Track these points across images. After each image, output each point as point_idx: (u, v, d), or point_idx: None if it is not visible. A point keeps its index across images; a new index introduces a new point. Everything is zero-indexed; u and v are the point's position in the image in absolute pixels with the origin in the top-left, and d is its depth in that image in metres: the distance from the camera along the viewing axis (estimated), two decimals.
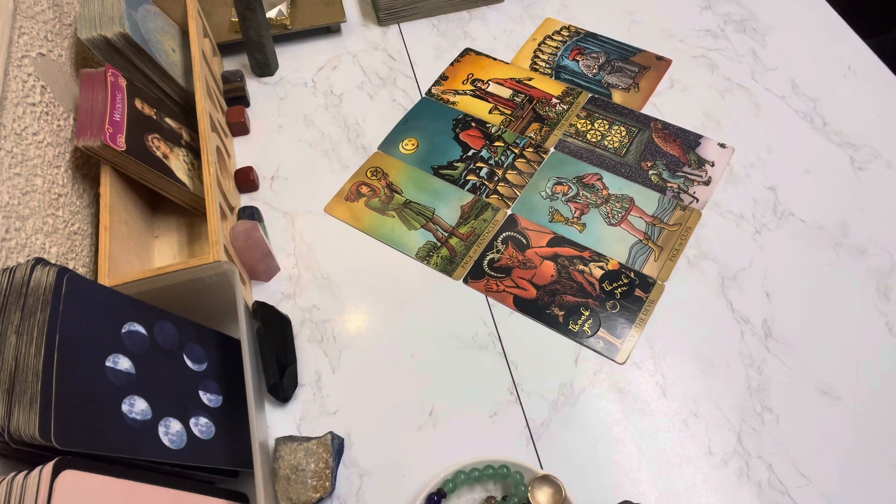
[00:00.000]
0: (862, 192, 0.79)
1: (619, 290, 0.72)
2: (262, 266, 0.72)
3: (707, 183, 0.81)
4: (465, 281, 0.74)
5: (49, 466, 0.40)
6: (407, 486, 0.61)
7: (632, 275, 0.73)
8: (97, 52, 0.72)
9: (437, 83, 0.92)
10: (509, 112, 0.89)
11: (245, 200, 0.81)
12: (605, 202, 0.80)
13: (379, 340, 0.70)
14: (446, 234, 0.77)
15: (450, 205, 0.80)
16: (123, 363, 0.50)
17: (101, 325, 0.50)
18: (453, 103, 0.90)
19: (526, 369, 0.67)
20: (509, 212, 0.79)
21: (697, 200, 0.79)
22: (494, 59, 0.95)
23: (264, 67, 0.92)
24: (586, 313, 0.71)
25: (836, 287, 0.72)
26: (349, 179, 0.83)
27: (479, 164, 0.83)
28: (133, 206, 0.71)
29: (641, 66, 0.93)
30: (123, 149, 0.65)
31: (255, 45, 0.89)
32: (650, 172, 0.82)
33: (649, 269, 0.74)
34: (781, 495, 0.60)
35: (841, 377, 0.66)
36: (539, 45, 0.97)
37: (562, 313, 0.71)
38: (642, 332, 0.70)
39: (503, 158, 0.84)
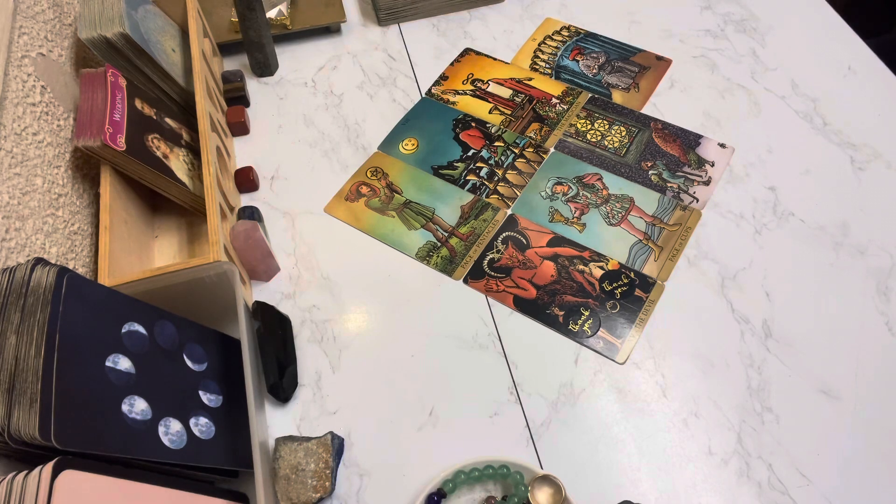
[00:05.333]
0: (862, 192, 0.79)
1: (619, 290, 0.72)
2: (262, 266, 0.72)
3: (707, 183, 0.81)
4: (465, 281, 0.74)
5: (49, 466, 0.40)
6: (407, 486, 0.61)
7: (632, 275, 0.73)
8: (97, 52, 0.72)
9: (437, 83, 0.92)
10: (509, 112, 0.89)
11: (245, 200, 0.81)
12: (605, 202, 0.80)
13: (379, 340, 0.70)
14: (446, 234, 0.77)
15: (450, 205, 0.80)
16: (123, 363, 0.50)
17: (101, 325, 0.50)
18: (453, 103, 0.90)
19: (526, 369, 0.67)
20: (509, 212, 0.79)
21: (697, 200, 0.79)
22: (494, 59, 0.95)
23: (264, 67, 0.92)
24: (586, 313, 0.71)
25: (836, 287, 0.72)
26: (349, 179, 0.83)
27: (479, 164, 0.83)
28: (133, 206, 0.71)
29: (641, 66, 0.93)
30: (123, 149, 0.65)
31: (255, 45, 0.89)
32: (650, 172, 0.82)
33: (649, 269, 0.74)
34: (781, 495, 0.60)
35: (841, 377, 0.66)
36: (539, 45, 0.97)
37: (562, 313, 0.71)
38: (642, 332, 0.70)
39: (503, 158, 0.84)
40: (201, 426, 0.55)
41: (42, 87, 0.68)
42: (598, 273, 0.74)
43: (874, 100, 0.88)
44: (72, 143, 0.71)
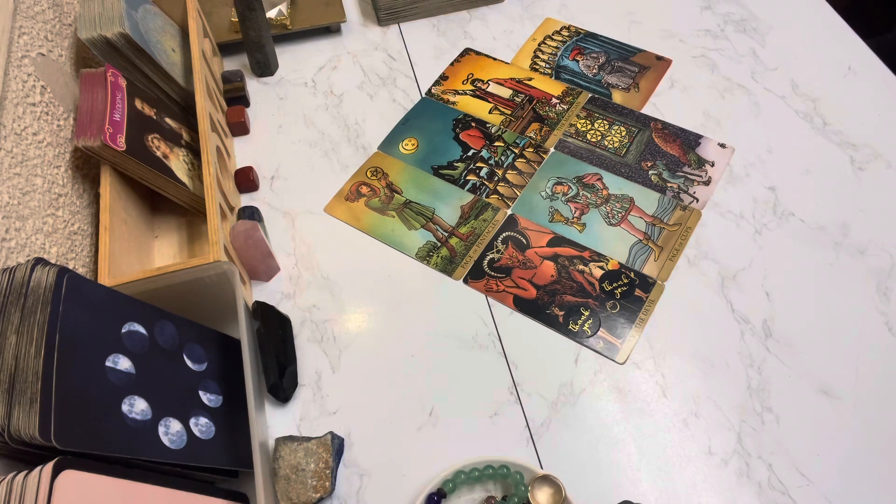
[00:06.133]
0: (862, 192, 0.79)
1: (619, 290, 0.72)
2: (262, 266, 0.72)
3: (707, 183, 0.81)
4: (465, 281, 0.74)
5: (49, 466, 0.40)
6: (407, 486, 0.61)
7: (632, 275, 0.73)
8: (97, 52, 0.72)
9: (437, 83, 0.92)
10: (509, 112, 0.89)
11: (245, 200, 0.81)
12: (605, 202, 0.80)
13: (379, 340, 0.70)
14: (446, 234, 0.77)
15: (450, 205, 0.80)
16: (123, 363, 0.50)
17: (101, 325, 0.50)
18: (453, 103, 0.90)
19: (526, 369, 0.67)
20: (509, 212, 0.79)
21: (697, 200, 0.79)
22: (494, 59, 0.95)
23: (264, 67, 0.92)
24: (586, 313, 0.71)
25: (836, 287, 0.72)
26: (349, 179, 0.83)
27: (479, 164, 0.83)
28: (133, 206, 0.71)
29: (641, 66, 0.93)
30: (123, 149, 0.65)
31: (255, 45, 0.89)
32: (650, 172, 0.82)
33: (649, 269, 0.74)
34: (781, 495, 0.60)
35: (841, 377, 0.66)
36: (539, 45, 0.97)
37: (562, 313, 0.71)
38: (642, 332, 0.70)
39: (503, 158, 0.84)
40: (201, 426, 0.55)
41: (42, 87, 0.68)
42: (598, 273, 0.74)
43: (874, 100, 0.88)
44: (72, 143, 0.71)
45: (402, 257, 0.76)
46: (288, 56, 0.95)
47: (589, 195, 0.80)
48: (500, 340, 0.69)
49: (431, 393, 0.66)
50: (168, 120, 0.75)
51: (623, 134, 0.86)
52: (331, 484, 0.59)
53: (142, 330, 0.53)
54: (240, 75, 0.87)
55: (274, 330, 0.66)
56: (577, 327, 0.70)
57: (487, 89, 0.91)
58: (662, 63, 0.94)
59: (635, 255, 0.75)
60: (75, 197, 0.70)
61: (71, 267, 0.63)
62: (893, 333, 0.69)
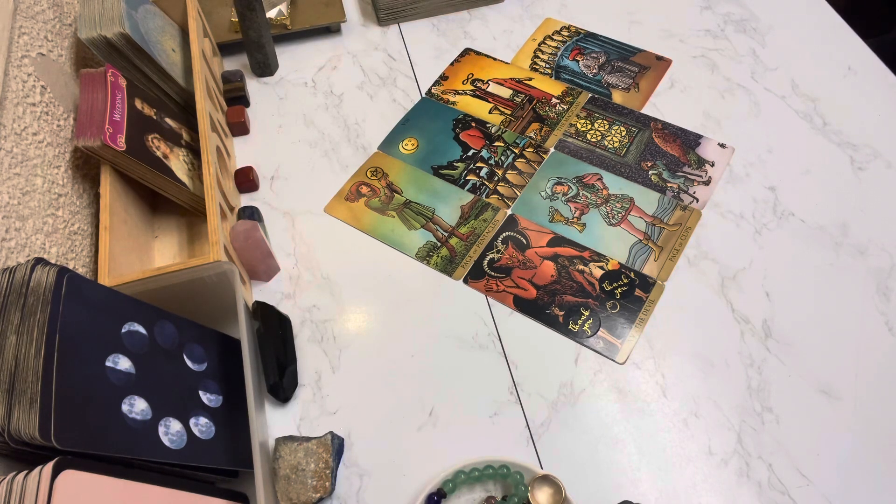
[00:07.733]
0: (862, 192, 0.79)
1: (619, 290, 0.72)
2: (262, 266, 0.72)
3: (707, 183, 0.81)
4: (465, 281, 0.74)
5: (49, 466, 0.40)
6: (407, 486, 0.61)
7: (632, 275, 0.73)
8: (97, 52, 0.72)
9: (437, 83, 0.92)
10: (509, 112, 0.89)
11: (245, 200, 0.81)
12: (605, 202, 0.80)
13: (379, 340, 0.70)
14: (446, 234, 0.77)
15: (450, 205, 0.80)
16: (123, 363, 0.50)
17: (101, 325, 0.50)
18: (453, 103, 0.90)
19: (526, 369, 0.67)
20: (509, 212, 0.79)
21: (697, 200, 0.79)
22: (494, 59, 0.95)
23: (264, 67, 0.92)
24: (586, 313, 0.71)
25: (836, 287, 0.72)
26: (349, 179, 0.83)
27: (479, 164, 0.83)
28: (133, 206, 0.71)
29: (641, 66, 0.93)
30: (123, 149, 0.65)
31: (255, 45, 0.89)
32: (650, 172, 0.82)
33: (649, 269, 0.74)
34: (781, 495, 0.60)
35: (841, 377, 0.66)
36: (539, 45, 0.97)
37: (562, 313, 0.71)
38: (642, 332, 0.70)
39: (503, 158, 0.84)
40: (201, 426, 0.55)
41: (42, 87, 0.68)
42: (598, 273, 0.74)
43: (874, 100, 0.88)
44: (72, 143, 0.71)
45: (402, 257, 0.76)
46: (288, 56, 0.95)
47: (589, 195, 0.80)
48: (500, 340, 0.69)
49: (431, 393, 0.66)
50: (168, 120, 0.75)
51: (623, 134, 0.86)
52: (331, 484, 0.59)
53: (142, 330, 0.53)
54: (240, 75, 0.87)
55: (274, 330, 0.66)
56: (577, 327, 0.70)
57: (487, 89, 0.91)
58: (662, 63, 0.94)
59: (635, 255, 0.75)
60: (75, 197, 0.70)
61: (71, 267, 0.63)
62: (893, 333, 0.69)
